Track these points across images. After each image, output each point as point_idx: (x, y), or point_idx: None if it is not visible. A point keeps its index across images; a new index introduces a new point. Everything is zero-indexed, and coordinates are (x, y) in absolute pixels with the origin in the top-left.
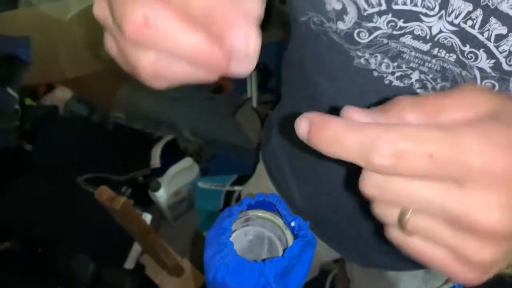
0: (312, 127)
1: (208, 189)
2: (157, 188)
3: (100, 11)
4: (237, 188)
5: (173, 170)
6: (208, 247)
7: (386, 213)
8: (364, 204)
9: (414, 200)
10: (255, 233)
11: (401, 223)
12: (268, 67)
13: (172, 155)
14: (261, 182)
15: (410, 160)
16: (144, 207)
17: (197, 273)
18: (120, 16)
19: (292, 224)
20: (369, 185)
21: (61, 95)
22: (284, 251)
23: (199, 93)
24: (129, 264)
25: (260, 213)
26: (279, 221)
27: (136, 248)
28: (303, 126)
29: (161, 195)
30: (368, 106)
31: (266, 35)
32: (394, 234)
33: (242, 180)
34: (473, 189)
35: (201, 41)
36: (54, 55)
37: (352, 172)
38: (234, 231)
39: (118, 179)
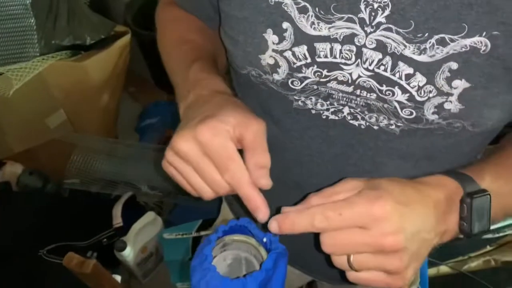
0: (278, 222)
1: (175, 239)
2: (123, 248)
3: None
4: (203, 233)
5: (136, 226)
6: (194, 274)
7: (340, 262)
8: None
9: (349, 245)
10: (233, 256)
11: (349, 265)
12: None
13: (133, 212)
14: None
15: (331, 219)
16: (112, 269)
17: None
18: None
19: (264, 240)
20: (324, 245)
21: (12, 170)
22: (260, 265)
23: (150, 149)
24: None
25: (235, 237)
26: (252, 240)
27: None
28: (274, 226)
29: (128, 254)
30: (311, 140)
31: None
32: (349, 274)
33: (207, 224)
34: (372, 227)
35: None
36: None
37: None
38: (215, 256)
39: (81, 245)
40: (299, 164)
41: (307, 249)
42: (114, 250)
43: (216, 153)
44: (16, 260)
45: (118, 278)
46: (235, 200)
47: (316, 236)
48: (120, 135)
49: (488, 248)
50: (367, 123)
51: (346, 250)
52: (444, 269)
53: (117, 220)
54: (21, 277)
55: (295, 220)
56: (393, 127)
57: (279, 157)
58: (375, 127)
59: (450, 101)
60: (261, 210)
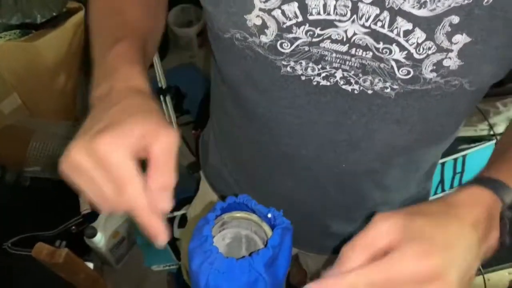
0: None
1: None
2: (93, 234)
3: None
4: (176, 213)
5: None
6: (194, 257)
7: None
8: (315, 197)
9: None
10: (232, 234)
11: None
12: (180, 89)
13: None
14: (206, 199)
15: (379, 286)
16: (83, 257)
17: None
18: None
19: (269, 215)
20: None
21: None
22: (266, 242)
23: None
24: None
25: (235, 214)
26: (253, 217)
27: None
28: None
29: (99, 240)
30: (301, 109)
31: (168, 60)
32: None
33: (178, 205)
34: (424, 284)
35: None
36: None
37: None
38: (213, 237)
39: (49, 234)
40: (288, 134)
41: (297, 221)
42: (84, 238)
43: (113, 170)
44: None
45: (90, 265)
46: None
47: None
48: (80, 118)
49: None
50: (361, 88)
51: None
52: None
53: (85, 206)
54: None
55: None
56: (388, 90)
57: (267, 128)
58: (369, 91)
59: (450, 58)
60: (160, 237)
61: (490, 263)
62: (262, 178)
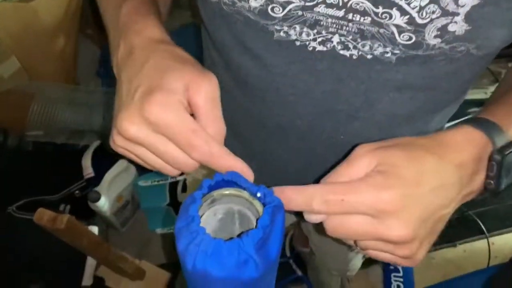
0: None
1: (151, 186)
2: (97, 198)
3: None
4: (180, 178)
5: (109, 175)
6: (180, 238)
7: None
8: (312, 169)
9: (352, 233)
10: (224, 210)
11: (355, 243)
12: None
13: (104, 161)
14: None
15: (331, 204)
16: (87, 221)
17: (159, 271)
18: None
19: (258, 194)
20: (326, 229)
21: None
22: (256, 221)
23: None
24: (86, 281)
25: (225, 191)
26: (245, 194)
27: (90, 264)
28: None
29: (103, 204)
30: (296, 77)
31: (170, 22)
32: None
33: None
34: (377, 219)
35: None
36: None
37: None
38: (202, 215)
39: (53, 198)
40: (282, 104)
41: (291, 179)
42: (88, 202)
43: (173, 130)
44: None
45: (95, 229)
46: None
47: (309, 182)
48: (81, 81)
49: None
50: (360, 53)
51: (350, 236)
52: None
53: (88, 170)
54: None
55: (292, 196)
56: (389, 55)
57: (259, 98)
58: (369, 56)
59: (455, 22)
60: (246, 171)
61: (494, 226)
62: (256, 147)
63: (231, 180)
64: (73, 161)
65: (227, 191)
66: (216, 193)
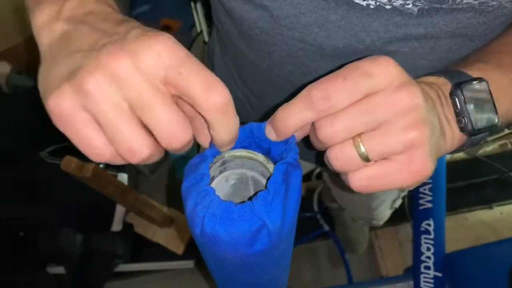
0: (273, 125)
1: None
2: None
3: None
4: None
5: None
6: (187, 198)
7: (348, 156)
8: None
9: (354, 124)
10: (237, 176)
11: (362, 155)
12: None
13: None
14: None
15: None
16: (118, 167)
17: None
18: None
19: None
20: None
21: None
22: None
23: None
24: (116, 226)
25: (236, 152)
26: (259, 156)
27: (119, 210)
28: (269, 130)
29: None
30: (306, 30)
31: None
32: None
33: None
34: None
35: None
36: None
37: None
38: (213, 177)
39: None
40: (292, 59)
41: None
42: None
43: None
44: (17, 163)
45: (124, 176)
46: None
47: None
48: None
49: (506, 131)
50: (377, 2)
51: (355, 129)
52: (458, 154)
53: None
54: (24, 180)
55: (288, 109)
56: (410, 6)
57: (266, 53)
58: (387, 7)
59: None
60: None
61: (502, 196)
62: (269, 101)
63: (245, 138)
64: None
65: (240, 152)
66: (227, 155)
